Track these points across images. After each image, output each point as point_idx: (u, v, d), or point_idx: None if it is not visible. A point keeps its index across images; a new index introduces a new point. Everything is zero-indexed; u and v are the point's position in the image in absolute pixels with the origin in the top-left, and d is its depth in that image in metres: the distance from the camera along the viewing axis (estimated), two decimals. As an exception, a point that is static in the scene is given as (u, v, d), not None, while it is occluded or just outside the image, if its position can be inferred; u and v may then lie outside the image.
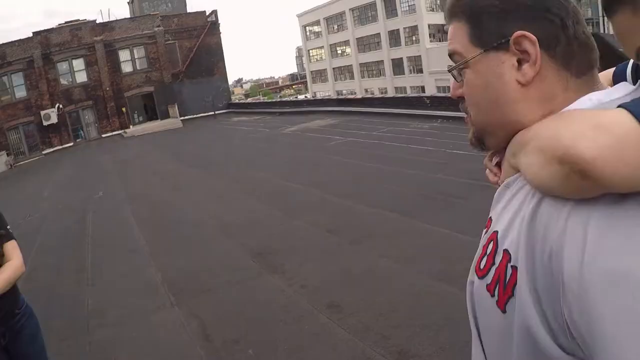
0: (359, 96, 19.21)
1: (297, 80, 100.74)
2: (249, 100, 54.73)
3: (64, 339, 3.86)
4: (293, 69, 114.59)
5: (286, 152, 11.30)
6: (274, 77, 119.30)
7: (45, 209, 10.03)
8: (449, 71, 0.72)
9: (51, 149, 25.09)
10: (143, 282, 4.85)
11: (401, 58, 41.23)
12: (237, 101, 31.00)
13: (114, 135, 25.77)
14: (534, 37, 0.61)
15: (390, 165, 8.12)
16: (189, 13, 29.86)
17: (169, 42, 27.68)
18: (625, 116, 0.50)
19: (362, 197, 6.51)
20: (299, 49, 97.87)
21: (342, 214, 5.99)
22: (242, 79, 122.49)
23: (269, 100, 30.38)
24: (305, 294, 3.96)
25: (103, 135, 26.26)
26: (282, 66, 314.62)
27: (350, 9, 44.77)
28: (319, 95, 48.38)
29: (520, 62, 0.63)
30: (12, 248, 2.07)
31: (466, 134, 0.75)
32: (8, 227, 2.12)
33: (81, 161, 18.50)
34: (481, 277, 0.65)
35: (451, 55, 0.72)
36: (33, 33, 25.43)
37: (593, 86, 0.64)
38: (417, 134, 10.63)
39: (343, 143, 10.85)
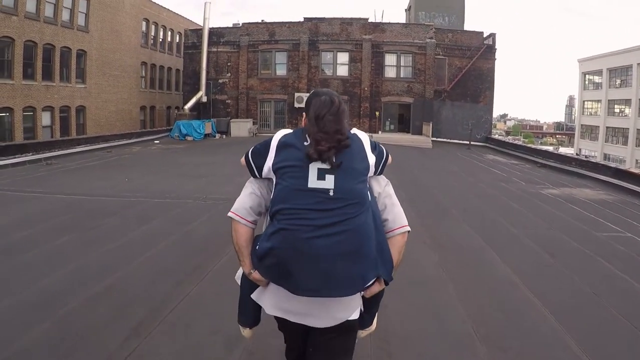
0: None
1: (562, 130, 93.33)
2: (509, 139, 50.54)
3: None
4: (560, 117, 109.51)
5: (539, 225, 7.61)
6: (538, 121, 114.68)
7: (226, 194, 8.78)
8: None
9: (295, 130, 25.84)
10: None
11: (687, 134, 32.92)
12: (496, 136, 27.74)
13: (359, 135, 25.18)
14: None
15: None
16: (465, 31, 27.90)
17: (439, 56, 26.20)
18: None
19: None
20: (570, 98, 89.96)
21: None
22: (507, 114, 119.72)
23: (532, 146, 26.41)
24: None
25: (361, 133, 26.15)
26: (549, 111, 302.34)
27: (638, 64, 37.42)
28: (583, 152, 41.93)
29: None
30: None
31: None
32: None
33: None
34: None
35: None
36: (304, 18, 26.73)
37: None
38: None
39: (618, 239, 6.76)
